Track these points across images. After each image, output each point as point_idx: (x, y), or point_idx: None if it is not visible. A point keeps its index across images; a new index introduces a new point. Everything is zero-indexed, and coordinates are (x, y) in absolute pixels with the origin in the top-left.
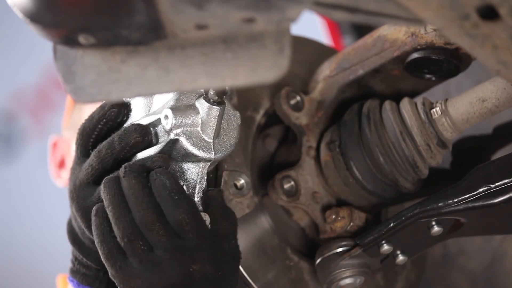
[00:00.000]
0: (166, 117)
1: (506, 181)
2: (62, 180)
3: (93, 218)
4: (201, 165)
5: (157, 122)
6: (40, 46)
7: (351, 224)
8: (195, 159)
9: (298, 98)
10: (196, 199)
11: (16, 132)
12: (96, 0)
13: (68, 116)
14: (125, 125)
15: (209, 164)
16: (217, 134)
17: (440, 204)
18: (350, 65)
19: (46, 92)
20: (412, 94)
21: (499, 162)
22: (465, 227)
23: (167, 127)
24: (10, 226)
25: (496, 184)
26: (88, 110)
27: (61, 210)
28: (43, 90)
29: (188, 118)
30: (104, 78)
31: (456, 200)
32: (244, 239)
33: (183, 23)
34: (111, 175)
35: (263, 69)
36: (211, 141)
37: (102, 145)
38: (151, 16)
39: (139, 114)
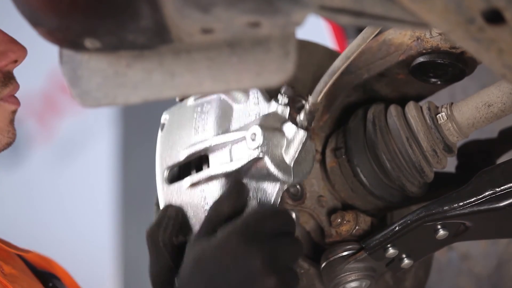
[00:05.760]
0: (254, 134)
1: (511, 184)
2: None
3: None
4: (278, 187)
5: (238, 140)
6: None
7: (357, 227)
8: (273, 180)
9: (303, 102)
10: None
11: (22, 137)
12: (101, 4)
13: None
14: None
15: (285, 187)
16: (297, 159)
17: (445, 207)
18: (355, 69)
19: (52, 97)
20: (418, 98)
21: (505, 166)
22: (471, 230)
23: (253, 145)
24: (15, 230)
25: (501, 187)
26: None
27: (65, 215)
28: (49, 94)
29: (274, 139)
30: (110, 82)
31: (461, 203)
32: None
33: (189, 28)
34: None
35: (268, 73)
36: (292, 165)
37: None
38: (157, 20)
39: (210, 133)
